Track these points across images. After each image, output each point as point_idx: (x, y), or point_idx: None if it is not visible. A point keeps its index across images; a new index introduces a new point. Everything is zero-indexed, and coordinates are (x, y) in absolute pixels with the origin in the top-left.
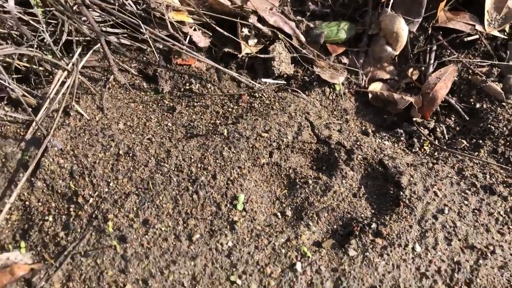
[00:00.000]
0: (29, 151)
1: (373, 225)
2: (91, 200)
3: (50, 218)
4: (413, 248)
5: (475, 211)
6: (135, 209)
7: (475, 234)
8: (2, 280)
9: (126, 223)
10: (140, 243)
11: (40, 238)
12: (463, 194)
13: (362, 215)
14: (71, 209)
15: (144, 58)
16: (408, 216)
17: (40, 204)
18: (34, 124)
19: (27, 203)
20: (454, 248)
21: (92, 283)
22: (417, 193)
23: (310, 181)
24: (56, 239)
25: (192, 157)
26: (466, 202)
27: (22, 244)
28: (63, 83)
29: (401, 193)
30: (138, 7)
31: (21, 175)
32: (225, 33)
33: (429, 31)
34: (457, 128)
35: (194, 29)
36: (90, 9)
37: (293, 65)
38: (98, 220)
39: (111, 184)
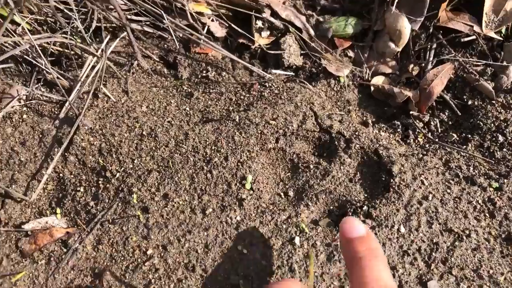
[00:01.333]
0: (63, 128)
1: (365, 208)
2: (117, 174)
3: (82, 189)
4: (398, 229)
5: (456, 199)
6: (156, 184)
7: (454, 219)
8: (43, 240)
9: (148, 196)
10: (161, 214)
11: (73, 206)
12: (447, 183)
13: (356, 198)
14: (100, 182)
15: (165, 46)
16: (396, 201)
17: (72, 176)
18: (67, 104)
19: (61, 175)
20: (434, 231)
21: (119, 246)
22: (405, 181)
23: (311, 166)
24: (87, 207)
25: (207, 140)
26: (448, 191)
27: (58, 210)
28: (92, 67)
29: (392, 180)
30: None
31: (55, 150)
32: (240, 30)
33: (431, 30)
34: (450, 123)
35: (212, 20)
36: None
37: (302, 57)
38: (124, 192)
39: (135, 161)
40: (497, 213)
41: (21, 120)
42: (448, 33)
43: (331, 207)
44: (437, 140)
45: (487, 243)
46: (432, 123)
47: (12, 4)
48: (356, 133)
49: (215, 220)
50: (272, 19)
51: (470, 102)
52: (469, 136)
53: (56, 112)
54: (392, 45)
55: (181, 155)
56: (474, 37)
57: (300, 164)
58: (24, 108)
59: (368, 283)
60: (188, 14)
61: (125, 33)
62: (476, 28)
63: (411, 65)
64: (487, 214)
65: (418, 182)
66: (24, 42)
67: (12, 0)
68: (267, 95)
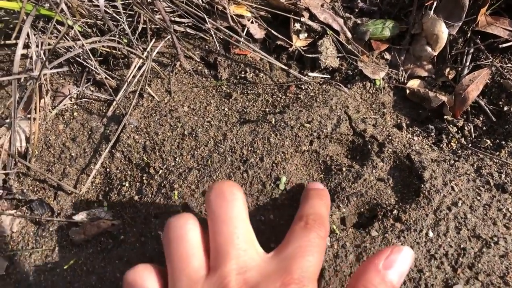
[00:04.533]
0: (110, 126)
1: (395, 212)
2: (160, 171)
3: (127, 184)
4: (426, 234)
5: (486, 206)
6: (196, 181)
7: (483, 226)
8: (91, 231)
9: (188, 193)
10: (200, 211)
11: (119, 199)
12: (477, 190)
13: (387, 202)
14: (144, 178)
15: (206, 47)
16: (426, 206)
17: (118, 171)
18: (114, 103)
19: (108, 170)
20: (462, 236)
21: (161, 239)
22: (436, 187)
23: (344, 169)
24: (132, 201)
25: (244, 140)
26: (478, 198)
27: (105, 203)
28: (138, 68)
29: (422, 185)
30: (203, 1)
31: (103, 146)
32: (276, 33)
33: (468, 34)
34: (484, 128)
35: (252, 22)
36: (161, 0)
37: (338, 59)
38: (166, 188)
39: (177, 159)
40: None
41: (72, 117)
42: (487, 38)
43: (362, 210)
44: (470, 145)
45: None
46: (466, 128)
47: (67, 12)
48: (389, 137)
49: (251, 219)
50: (310, 23)
51: (506, 108)
52: (503, 142)
53: (104, 111)
54: (429, 49)
55: (219, 154)
56: None
57: (333, 167)
58: (75, 106)
59: (302, 215)
60: (229, 17)
61: (169, 36)
62: None
63: (447, 69)
64: None
65: (448, 188)
66: (76, 46)
67: (67, 8)
68: (303, 97)
